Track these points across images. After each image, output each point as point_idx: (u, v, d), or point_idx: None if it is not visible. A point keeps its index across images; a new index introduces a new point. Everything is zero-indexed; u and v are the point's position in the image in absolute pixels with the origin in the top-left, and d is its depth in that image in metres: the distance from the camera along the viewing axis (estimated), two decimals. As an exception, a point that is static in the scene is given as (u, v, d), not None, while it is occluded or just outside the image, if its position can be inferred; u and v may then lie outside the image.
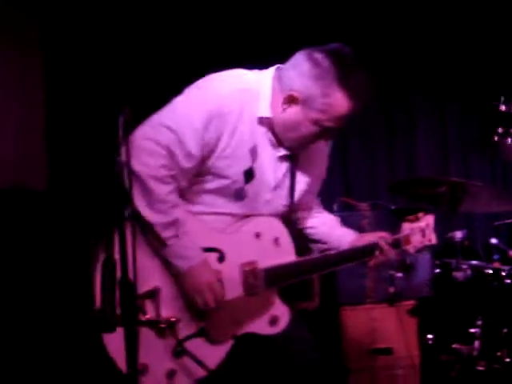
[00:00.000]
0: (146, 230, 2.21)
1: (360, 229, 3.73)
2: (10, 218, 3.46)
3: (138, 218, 2.18)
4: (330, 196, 4.12)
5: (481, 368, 3.45)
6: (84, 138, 3.82)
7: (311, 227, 2.75)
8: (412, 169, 4.66)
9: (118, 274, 1.82)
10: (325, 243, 2.72)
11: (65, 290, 3.33)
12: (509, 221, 3.87)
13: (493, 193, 3.50)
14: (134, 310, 1.79)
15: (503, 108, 2.34)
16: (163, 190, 2.24)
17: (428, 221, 2.76)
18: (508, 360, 3.43)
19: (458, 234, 3.39)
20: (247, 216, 2.46)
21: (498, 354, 3.46)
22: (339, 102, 2.28)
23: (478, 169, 4.70)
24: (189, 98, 2.32)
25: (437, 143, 4.72)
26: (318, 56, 2.28)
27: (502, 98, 2.34)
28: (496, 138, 2.36)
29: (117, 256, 1.84)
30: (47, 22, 3.90)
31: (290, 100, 2.31)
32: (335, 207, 4.02)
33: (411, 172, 4.64)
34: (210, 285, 2.32)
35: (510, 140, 2.34)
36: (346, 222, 3.72)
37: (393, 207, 4.08)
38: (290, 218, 2.58)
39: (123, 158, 1.91)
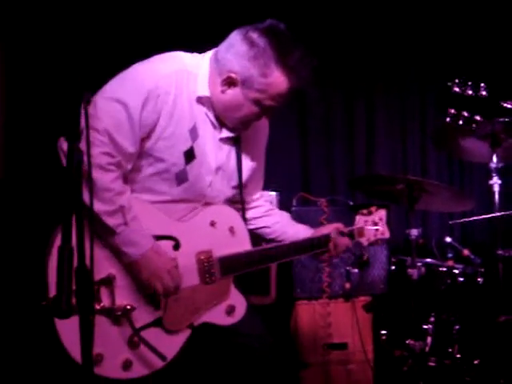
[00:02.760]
0: (94, 219, 2.18)
1: (318, 224, 3.77)
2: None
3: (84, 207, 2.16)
4: (289, 191, 4.15)
5: (432, 364, 3.51)
6: (41, 125, 3.76)
7: (265, 226, 2.77)
8: (371, 165, 4.69)
9: (74, 261, 1.80)
10: (281, 241, 2.73)
11: (19, 277, 3.28)
12: (463, 220, 3.93)
13: (449, 192, 3.54)
14: (90, 298, 1.77)
15: (457, 89, 2.36)
16: (107, 178, 2.22)
17: (380, 215, 2.82)
18: (459, 356, 3.50)
19: (414, 232, 3.41)
20: (204, 204, 2.47)
21: (450, 350, 3.52)
22: (278, 80, 2.30)
23: (436, 166, 4.76)
24: (126, 80, 2.30)
25: (396, 140, 4.76)
26: (254, 35, 2.28)
27: (457, 80, 2.37)
28: (448, 120, 2.38)
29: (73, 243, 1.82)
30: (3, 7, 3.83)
31: (229, 82, 2.33)
32: (294, 202, 4.03)
33: (370, 168, 4.68)
34: (168, 269, 2.31)
35: (461, 122, 2.36)
36: (304, 217, 3.78)
37: (351, 203, 4.11)
38: (243, 217, 2.60)
39: (83, 145, 1.87)
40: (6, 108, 3.84)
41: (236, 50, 2.29)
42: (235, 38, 2.31)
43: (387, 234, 2.84)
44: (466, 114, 2.39)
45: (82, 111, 1.75)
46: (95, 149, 2.16)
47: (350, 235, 2.74)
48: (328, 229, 2.72)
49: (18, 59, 3.87)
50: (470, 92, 2.39)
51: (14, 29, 3.87)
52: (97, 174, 2.16)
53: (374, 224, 2.80)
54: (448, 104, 2.41)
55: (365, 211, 2.80)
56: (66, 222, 1.69)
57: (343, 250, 2.73)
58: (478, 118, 2.39)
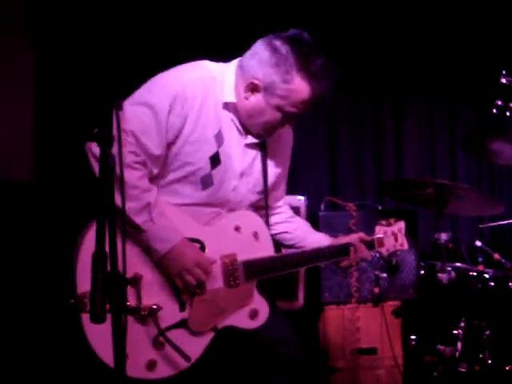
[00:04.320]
0: (122, 218, 2.20)
1: (347, 229, 3.77)
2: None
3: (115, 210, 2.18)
4: (317, 195, 4.15)
5: (462, 369, 3.46)
6: (72, 129, 3.81)
7: (286, 232, 2.79)
8: (399, 170, 4.67)
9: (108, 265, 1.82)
10: (300, 248, 2.74)
11: (49, 280, 3.33)
12: (493, 224, 3.89)
13: (478, 196, 3.51)
14: (123, 302, 1.79)
15: (504, 81, 2.34)
16: (133, 176, 2.25)
17: (400, 226, 2.86)
18: (490, 362, 3.45)
19: (443, 236, 3.38)
20: (229, 210, 2.49)
21: (480, 355, 3.47)
22: (299, 87, 2.32)
23: (465, 171, 4.72)
24: (153, 86, 2.35)
25: (424, 145, 4.74)
26: (277, 43, 2.31)
27: (504, 71, 2.34)
28: (494, 111, 2.35)
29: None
30: (38, 13, 3.90)
31: (252, 88, 2.35)
32: (322, 207, 4.03)
33: (399, 173, 4.66)
34: (196, 260, 2.33)
35: (508, 113, 2.34)
36: (332, 222, 3.79)
37: (380, 208, 4.09)
38: (266, 222, 2.61)
39: (115, 150, 1.89)
40: (37, 112, 3.90)
41: (259, 57, 2.33)
42: (259, 46, 2.35)
43: (406, 246, 2.88)
44: None
45: (114, 117, 1.77)
46: (122, 148, 2.19)
47: (371, 245, 2.76)
48: (351, 238, 2.74)
49: (49, 64, 3.93)
50: None
51: (46, 34, 3.93)
52: (123, 172, 2.19)
53: (393, 235, 2.84)
54: (495, 95, 2.40)
55: (384, 222, 2.84)
56: (99, 226, 1.71)
57: (362, 259, 2.75)
58: None
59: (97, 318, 1.68)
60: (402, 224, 2.86)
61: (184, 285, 2.33)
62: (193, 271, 2.32)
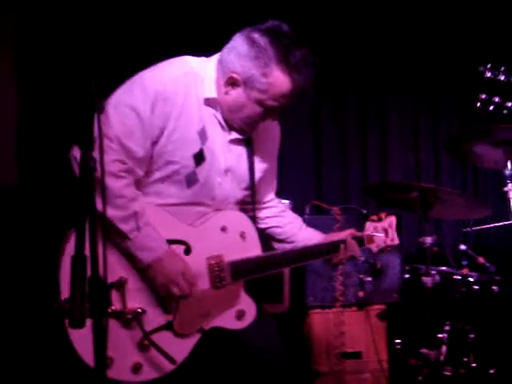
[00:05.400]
0: (107, 225, 2.18)
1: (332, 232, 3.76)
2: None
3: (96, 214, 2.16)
4: (302, 199, 4.15)
5: (447, 373, 3.46)
6: (55, 132, 3.79)
7: (277, 226, 2.76)
8: (384, 174, 4.68)
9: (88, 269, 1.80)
10: (291, 242, 2.73)
11: (31, 283, 3.30)
12: (478, 227, 3.90)
13: (463, 199, 3.52)
14: (104, 305, 1.77)
15: (488, 74, 2.34)
16: (118, 185, 2.23)
17: (390, 221, 2.81)
18: (474, 365, 3.45)
19: (428, 240, 3.38)
20: (216, 210, 2.47)
21: (465, 359, 3.47)
22: (279, 80, 2.29)
23: (449, 175, 4.74)
24: (133, 86, 2.32)
25: (409, 148, 4.75)
26: (255, 35, 2.29)
27: (489, 65, 2.35)
28: (478, 105, 2.36)
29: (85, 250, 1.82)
30: (19, 14, 3.88)
31: (231, 82, 2.33)
32: (307, 210, 4.03)
33: (383, 177, 4.67)
34: (183, 272, 2.31)
35: (491, 108, 2.35)
36: (317, 226, 3.74)
37: (364, 211, 4.09)
38: (254, 216, 2.60)
39: (96, 153, 1.87)
40: (19, 115, 3.87)
41: (238, 50, 2.30)
42: (237, 40, 2.33)
43: (397, 241, 2.83)
44: (497, 99, 2.37)
45: (95, 119, 1.76)
46: (106, 156, 2.14)
47: (360, 241, 2.73)
48: (339, 236, 2.71)
49: (30, 66, 3.90)
50: (503, 77, 2.37)
51: (28, 35, 3.90)
52: (109, 182, 2.17)
53: (383, 230, 2.79)
54: (479, 89, 2.40)
55: (375, 217, 2.80)
56: (79, 229, 1.69)
57: (353, 255, 2.70)
58: (509, 104, 2.37)
59: (75, 323, 1.66)
60: (392, 219, 2.80)
61: (168, 295, 2.32)
62: (177, 283, 2.30)
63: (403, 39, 4.63)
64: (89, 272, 1.69)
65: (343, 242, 2.65)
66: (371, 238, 2.76)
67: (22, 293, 3.37)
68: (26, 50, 3.91)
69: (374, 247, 2.78)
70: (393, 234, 2.80)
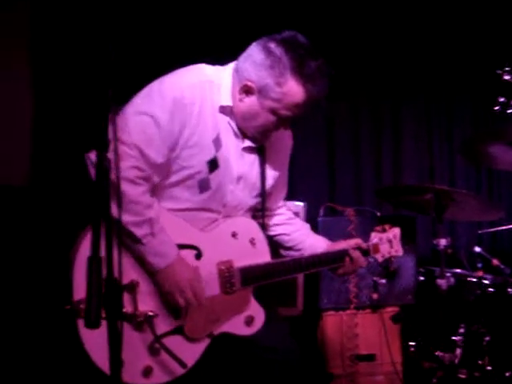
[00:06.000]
0: (121, 229, 2.17)
1: (346, 234, 3.76)
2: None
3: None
4: (316, 201, 4.14)
5: (462, 376, 3.44)
6: (69, 134, 3.81)
7: (285, 234, 2.77)
8: (398, 176, 4.66)
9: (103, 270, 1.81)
10: (298, 250, 2.74)
11: (45, 285, 3.32)
12: (492, 229, 3.88)
13: (477, 201, 3.50)
14: (119, 308, 1.78)
15: (507, 77, 2.33)
16: (135, 192, 2.24)
17: (395, 232, 2.86)
18: (489, 368, 3.43)
19: (442, 242, 3.37)
20: (226, 216, 2.49)
21: (480, 362, 3.45)
22: (293, 90, 2.30)
23: (464, 176, 4.71)
24: (152, 93, 2.33)
25: (423, 150, 4.73)
26: (271, 45, 2.30)
27: (507, 68, 2.33)
28: (497, 108, 2.35)
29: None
30: (36, 13, 3.90)
31: (246, 90, 2.34)
32: (321, 212, 4.02)
33: (397, 179, 4.65)
34: (191, 282, 2.32)
35: (510, 111, 2.34)
36: (331, 228, 3.78)
37: (378, 214, 4.08)
38: (264, 223, 2.61)
39: (111, 154, 1.88)
40: (35, 118, 3.90)
41: (253, 59, 2.32)
42: (253, 49, 2.34)
43: (400, 252, 2.88)
44: None
45: (110, 122, 1.77)
46: (125, 163, 2.18)
47: (366, 252, 2.75)
48: (347, 244, 2.72)
49: (47, 69, 3.93)
50: None
51: (44, 38, 3.93)
52: (126, 188, 2.19)
53: (388, 241, 2.84)
54: (496, 92, 2.39)
55: (379, 228, 2.85)
56: (95, 231, 1.70)
57: (358, 266, 2.72)
58: None
59: (91, 324, 1.67)
60: (397, 230, 2.86)
61: (174, 302, 2.33)
62: (185, 293, 2.32)
63: (418, 42, 4.60)
64: (103, 274, 1.70)
65: (349, 254, 2.66)
66: (377, 248, 2.80)
67: (34, 294, 3.40)
68: (42, 50, 3.93)
69: (379, 257, 2.83)
70: (397, 245, 2.86)
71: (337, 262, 2.67)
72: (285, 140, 2.64)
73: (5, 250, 3.38)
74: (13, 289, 3.38)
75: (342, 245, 2.72)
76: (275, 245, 2.75)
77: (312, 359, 3.80)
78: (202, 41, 4.20)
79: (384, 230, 2.83)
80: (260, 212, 2.61)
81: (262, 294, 2.55)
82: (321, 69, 2.30)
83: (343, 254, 2.67)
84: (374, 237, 2.81)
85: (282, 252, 2.76)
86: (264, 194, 2.58)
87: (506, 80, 2.38)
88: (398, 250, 2.85)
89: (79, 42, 3.87)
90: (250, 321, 2.48)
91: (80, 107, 3.71)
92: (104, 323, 1.70)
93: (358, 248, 2.71)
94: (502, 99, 2.43)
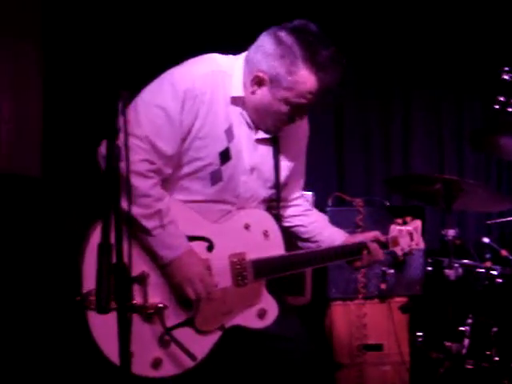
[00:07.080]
0: (131, 221, 2.17)
1: (354, 224, 3.76)
2: (3, 204, 3.46)
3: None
4: (324, 191, 4.14)
5: (469, 366, 3.45)
6: (80, 124, 3.82)
7: (302, 225, 2.74)
8: (407, 166, 4.65)
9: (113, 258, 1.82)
10: (315, 242, 2.71)
11: (56, 275, 3.34)
12: (501, 220, 3.87)
13: (487, 191, 3.49)
14: (129, 294, 1.80)
15: (506, 77, 2.33)
16: (146, 185, 2.24)
17: (416, 225, 2.82)
18: (497, 359, 3.43)
19: (451, 233, 3.36)
20: (239, 208, 2.47)
21: (487, 352, 3.46)
22: (305, 78, 2.27)
23: (473, 167, 4.70)
24: (163, 84, 2.31)
25: (432, 140, 4.72)
26: (282, 34, 2.26)
27: (506, 68, 2.33)
28: (497, 107, 2.35)
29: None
30: (47, 10, 3.91)
31: (258, 81, 2.31)
32: (330, 202, 4.02)
33: (406, 169, 4.64)
34: (201, 275, 2.31)
35: (510, 109, 2.33)
36: (340, 218, 3.77)
37: (387, 204, 4.08)
38: (279, 214, 2.58)
39: (121, 142, 1.88)
40: (46, 108, 3.91)
41: (264, 49, 2.29)
42: (264, 38, 2.31)
43: (422, 245, 2.84)
44: None
45: (120, 110, 1.76)
46: (135, 155, 2.18)
47: (384, 245, 2.71)
48: (365, 236, 2.69)
49: (57, 61, 3.94)
50: None
51: (54, 30, 3.94)
52: (136, 181, 2.19)
53: (409, 233, 2.79)
54: (497, 91, 2.38)
55: (399, 221, 2.80)
56: (105, 219, 1.72)
57: (376, 260, 2.68)
58: None
59: (102, 309, 1.69)
60: (418, 223, 2.81)
61: (184, 295, 2.32)
62: (194, 286, 2.30)
63: (427, 36, 4.58)
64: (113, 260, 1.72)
65: (367, 247, 2.63)
66: (396, 241, 2.76)
67: (44, 285, 3.42)
68: (52, 41, 3.95)
69: (398, 250, 2.77)
70: (418, 238, 2.81)
71: (354, 255, 2.64)
72: (301, 129, 2.60)
73: (15, 240, 3.40)
74: (23, 280, 3.40)
75: (359, 237, 2.69)
76: (292, 236, 2.72)
77: (319, 348, 3.81)
78: (213, 31, 4.20)
79: (405, 223, 2.78)
80: (275, 203, 2.59)
81: (270, 282, 2.53)
82: (332, 57, 2.27)
83: (361, 246, 2.63)
84: (393, 229, 2.76)
85: (299, 243, 2.74)
86: (278, 185, 2.55)
87: (505, 79, 2.37)
88: (418, 242, 2.81)
89: (90, 34, 3.88)
90: (262, 314, 2.47)
91: (91, 99, 3.71)
92: (114, 314, 1.72)
93: (376, 241, 2.67)
94: (501, 98, 2.42)
